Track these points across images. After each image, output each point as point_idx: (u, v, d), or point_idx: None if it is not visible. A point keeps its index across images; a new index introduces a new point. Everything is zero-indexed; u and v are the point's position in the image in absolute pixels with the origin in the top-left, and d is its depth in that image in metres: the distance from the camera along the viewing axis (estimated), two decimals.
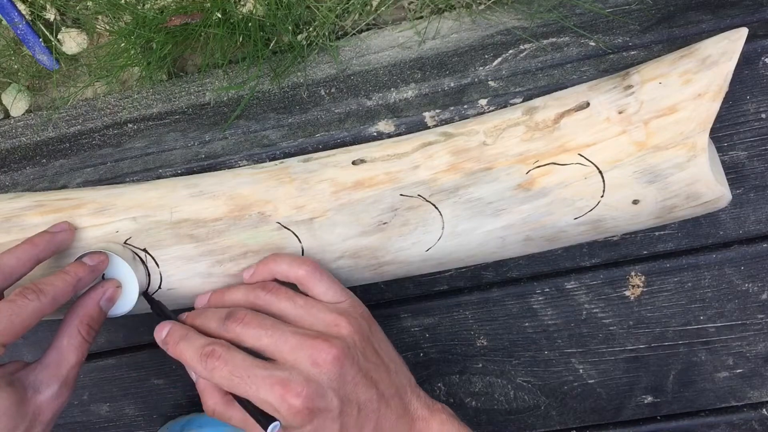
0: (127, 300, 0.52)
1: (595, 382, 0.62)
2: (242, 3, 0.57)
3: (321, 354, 0.46)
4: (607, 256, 0.60)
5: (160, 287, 0.53)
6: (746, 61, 0.54)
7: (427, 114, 0.56)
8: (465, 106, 0.56)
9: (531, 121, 0.51)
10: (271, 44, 0.58)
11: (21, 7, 0.59)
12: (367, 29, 0.59)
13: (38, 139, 0.62)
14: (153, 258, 0.53)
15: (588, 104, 0.50)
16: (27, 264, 0.49)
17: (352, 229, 0.52)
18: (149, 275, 0.53)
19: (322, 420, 0.45)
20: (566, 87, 0.54)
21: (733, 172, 0.56)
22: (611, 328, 0.61)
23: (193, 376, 0.50)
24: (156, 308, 0.52)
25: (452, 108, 0.56)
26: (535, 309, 0.61)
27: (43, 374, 0.47)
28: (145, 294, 0.53)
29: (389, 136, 0.57)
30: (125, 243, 0.53)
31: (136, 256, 0.53)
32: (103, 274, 0.51)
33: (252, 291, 0.51)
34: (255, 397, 0.45)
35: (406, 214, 0.52)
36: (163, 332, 0.50)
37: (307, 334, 0.47)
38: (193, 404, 0.66)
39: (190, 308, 0.57)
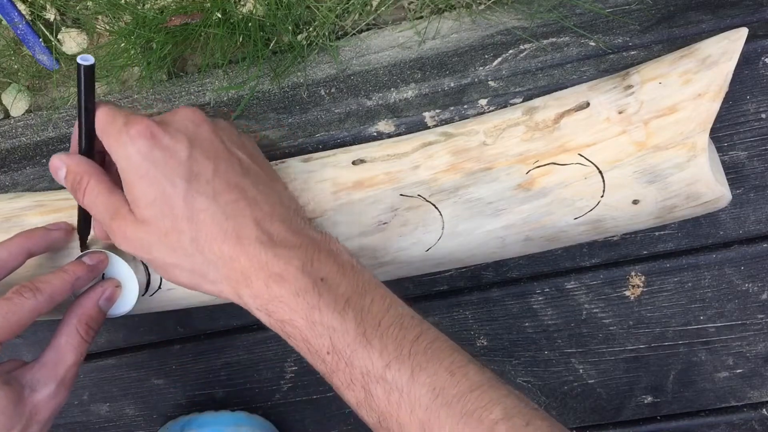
0: (127, 300, 0.52)
1: (595, 382, 0.62)
2: (242, 3, 0.57)
3: (179, 109, 0.46)
4: (607, 256, 0.60)
5: (159, 287, 0.53)
6: (746, 61, 0.54)
7: (427, 114, 0.56)
8: (465, 106, 0.56)
9: (531, 121, 0.51)
10: (271, 44, 0.58)
11: (21, 7, 0.59)
12: (367, 29, 0.59)
13: (38, 139, 0.62)
14: None
15: (588, 104, 0.50)
16: (18, 257, 0.49)
17: (352, 229, 0.52)
18: (149, 275, 0.53)
19: (162, 155, 0.43)
20: (566, 87, 0.54)
21: (733, 172, 0.56)
22: (611, 328, 0.61)
23: (61, 179, 0.48)
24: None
25: (452, 108, 0.56)
26: (535, 309, 0.61)
27: (40, 373, 0.47)
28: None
29: (389, 136, 0.57)
30: None
31: (136, 257, 0.53)
32: (103, 274, 0.51)
33: None
34: (108, 127, 0.44)
35: (406, 214, 0.52)
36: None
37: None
38: (194, 404, 0.66)
39: (191, 308, 0.57)
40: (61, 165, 0.47)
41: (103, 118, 0.45)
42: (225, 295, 0.45)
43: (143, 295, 0.53)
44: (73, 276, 0.48)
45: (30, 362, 0.48)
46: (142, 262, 0.53)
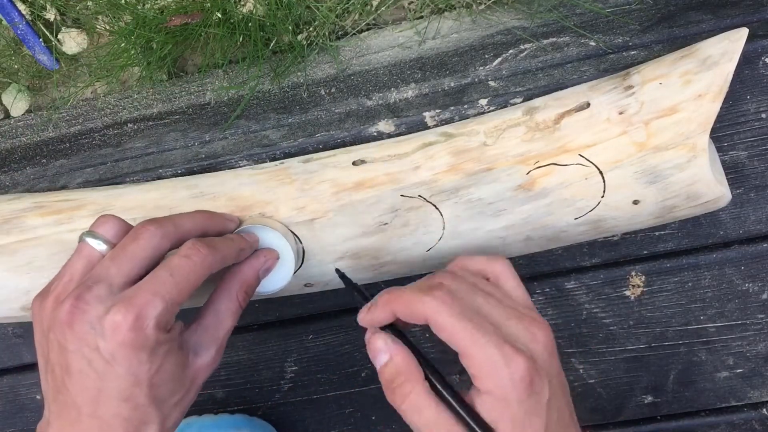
0: (280, 276, 0.51)
1: (595, 382, 0.62)
2: (242, 3, 0.57)
3: (538, 329, 0.42)
4: (607, 256, 0.60)
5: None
6: (746, 61, 0.54)
7: (427, 114, 0.56)
8: (465, 106, 0.56)
9: (531, 121, 0.51)
10: (271, 44, 0.58)
11: (21, 7, 0.59)
12: (367, 29, 0.59)
13: (38, 139, 0.62)
14: None
15: (588, 104, 0.50)
16: (199, 230, 0.47)
17: (353, 229, 0.52)
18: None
19: (535, 402, 0.40)
20: (566, 87, 0.54)
21: (733, 172, 0.56)
22: (611, 328, 0.61)
23: (378, 364, 0.44)
24: (353, 287, 0.48)
25: (452, 108, 0.56)
26: None
27: (202, 337, 0.46)
28: (340, 274, 0.49)
29: (389, 136, 0.57)
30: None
31: (289, 231, 0.51)
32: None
33: (448, 274, 0.45)
34: (477, 351, 0.40)
35: (406, 214, 0.52)
36: (365, 308, 0.45)
37: (517, 310, 0.43)
38: (194, 404, 0.65)
39: (191, 309, 0.57)
40: (384, 351, 0.44)
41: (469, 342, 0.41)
42: None
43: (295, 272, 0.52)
44: (239, 246, 0.48)
45: (191, 324, 0.47)
46: (297, 239, 0.52)
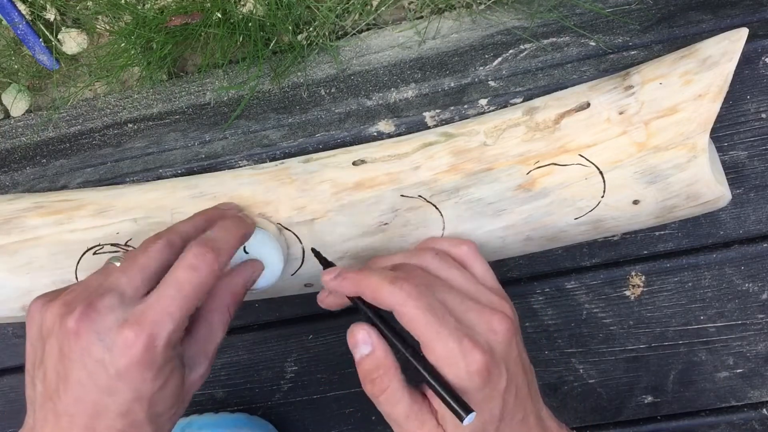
0: (270, 275, 0.51)
1: (595, 382, 0.62)
2: (242, 3, 0.57)
3: (497, 322, 0.44)
4: (607, 256, 0.60)
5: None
6: (746, 61, 0.54)
7: (427, 114, 0.56)
8: (465, 106, 0.56)
9: (531, 121, 0.51)
10: (271, 44, 0.58)
11: (21, 7, 0.59)
12: (367, 29, 0.59)
13: (38, 139, 0.62)
14: None
15: (588, 104, 0.50)
16: (199, 234, 0.47)
17: (353, 229, 0.52)
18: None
19: (491, 390, 0.43)
20: (566, 87, 0.54)
21: (733, 172, 0.56)
22: (611, 328, 0.61)
23: (358, 354, 0.45)
24: (322, 260, 0.50)
25: (452, 108, 0.56)
26: (535, 309, 0.61)
27: (194, 350, 0.46)
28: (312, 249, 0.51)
29: (389, 136, 0.57)
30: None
31: (283, 229, 0.52)
32: (244, 247, 0.50)
33: (417, 254, 0.48)
34: (438, 344, 0.42)
35: (406, 214, 0.52)
36: (334, 272, 0.47)
37: (480, 301, 0.45)
38: (194, 404, 0.66)
39: None
40: (366, 343, 0.45)
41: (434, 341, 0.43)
42: None
43: (292, 275, 0.53)
44: (241, 233, 0.48)
45: (185, 337, 0.46)
46: (296, 237, 0.52)
